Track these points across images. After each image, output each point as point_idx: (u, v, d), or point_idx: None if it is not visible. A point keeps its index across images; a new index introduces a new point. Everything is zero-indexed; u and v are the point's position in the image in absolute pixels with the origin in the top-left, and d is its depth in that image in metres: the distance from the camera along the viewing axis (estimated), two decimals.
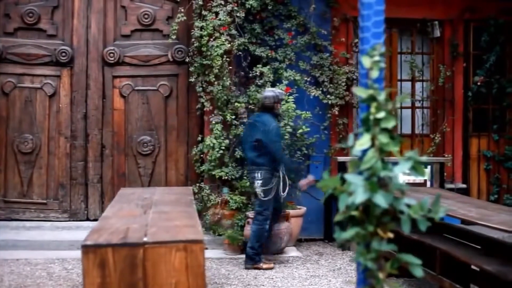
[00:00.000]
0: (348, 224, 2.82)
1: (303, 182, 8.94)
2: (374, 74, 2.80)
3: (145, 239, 4.49)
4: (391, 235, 2.79)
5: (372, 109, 2.77)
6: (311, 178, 8.92)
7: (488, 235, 6.99)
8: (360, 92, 2.81)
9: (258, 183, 8.37)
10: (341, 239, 2.80)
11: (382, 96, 2.78)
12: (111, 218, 5.53)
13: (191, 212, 5.79)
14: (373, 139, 2.76)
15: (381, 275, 2.78)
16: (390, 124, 2.74)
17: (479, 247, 6.77)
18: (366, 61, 2.82)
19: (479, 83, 10.99)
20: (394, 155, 2.82)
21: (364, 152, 2.76)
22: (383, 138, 2.74)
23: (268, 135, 8.28)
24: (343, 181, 2.79)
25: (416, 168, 2.67)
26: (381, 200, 2.61)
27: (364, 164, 2.74)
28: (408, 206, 2.73)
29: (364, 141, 2.75)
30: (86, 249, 4.42)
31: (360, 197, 2.63)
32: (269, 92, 8.68)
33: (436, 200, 2.70)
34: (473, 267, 6.44)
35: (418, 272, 2.75)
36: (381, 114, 2.75)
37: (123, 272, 4.39)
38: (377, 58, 2.80)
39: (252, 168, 8.48)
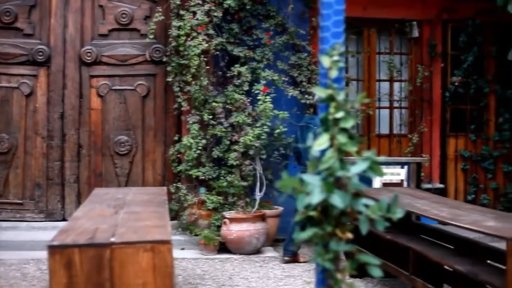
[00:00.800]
0: (307, 224, 2.80)
1: None
2: (333, 73, 2.78)
3: (112, 239, 4.46)
4: (350, 235, 2.77)
5: (331, 109, 2.75)
6: None
7: (461, 235, 7.01)
8: (319, 91, 2.79)
9: None
10: (299, 239, 2.78)
11: (341, 96, 2.76)
12: (81, 218, 5.49)
13: (162, 213, 5.75)
14: (332, 139, 2.74)
15: (339, 276, 2.76)
16: (349, 124, 2.72)
17: (452, 247, 6.79)
18: (325, 61, 2.80)
19: (456, 84, 11.02)
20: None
21: (323, 152, 2.74)
22: (342, 138, 2.72)
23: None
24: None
25: (374, 168, 2.66)
26: (337, 200, 2.60)
27: (322, 164, 2.72)
28: (367, 206, 2.71)
29: (322, 141, 2.73)
30: (53, 249, 4.38)
31: (316, 197, 2.61)
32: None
33: (393, 201, 2.69)
34: (446, 267, 6.45)
35: (376, 272, 2.73)
36: (340, 114, 2.73)
37: (89, 272, 4.35)
38: (336, 57, 2.79)
39: None
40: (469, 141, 11.27)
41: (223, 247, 9.15)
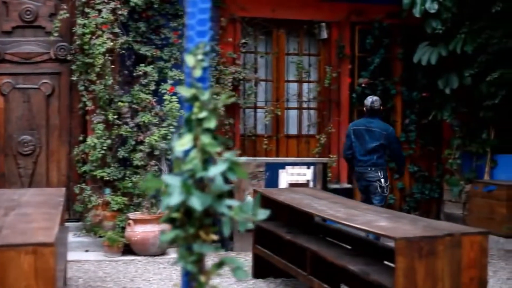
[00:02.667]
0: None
1: None
2: (197, 73, 2.74)
3: None
4: (214, 237, 2.73)
5: (195, 109, 2.72)
6: None
7: (361, 236, 7.08)
8: (183, 91, 2.75)
9: (382, 181, 9.05)
10: (163, 241, 2.73)
11: (205, 96, 2.72)
12: None
13: (54, 214, 5.62)
14: (195, 139, 2.70)
15: (202, 278, 2.72)
16: (212, 124, 2.69)
17: (350, 247, 6.85)
18: (189, 60, 2.76)
19: (363, 85, 11.15)
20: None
21: (187, 152, 2.70)
22: (205, 139, 2.69)
23: (389, 139, 9.10)
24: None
25: (234, 169, 2.62)
26: (196, 202, 2.56)
27: (185, 165, 2.68)
28: (230, 207, 2.68)
29: (185, 142, 2.68)
30: None
31: (175, 199, 2.57)
32: (374, 97, 9.41)
33: (255, 203, 2.67)
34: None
35: (241, 274, 2.71)
36: (204, 114, 2.69)
37: None
38: (200, 57, 2.75)
39: (373, 169, 9.07)
40: None
41: (128, 249, 9.04)
